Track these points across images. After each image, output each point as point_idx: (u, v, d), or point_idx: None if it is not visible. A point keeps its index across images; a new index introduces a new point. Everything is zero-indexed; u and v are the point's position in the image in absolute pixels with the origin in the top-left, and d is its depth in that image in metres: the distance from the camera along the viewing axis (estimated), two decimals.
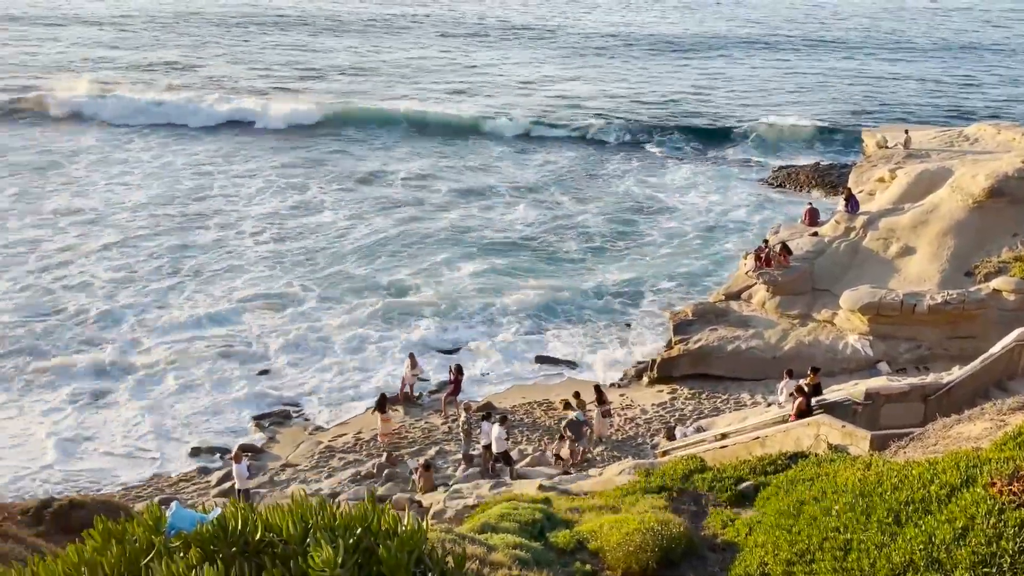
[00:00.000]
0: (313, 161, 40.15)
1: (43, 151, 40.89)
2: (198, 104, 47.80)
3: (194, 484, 18.14)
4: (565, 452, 18.18)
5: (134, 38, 71.93)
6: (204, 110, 47.05)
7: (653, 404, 21.18)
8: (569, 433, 18.22)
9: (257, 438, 19.95)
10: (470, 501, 14.70)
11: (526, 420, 20.64)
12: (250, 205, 34.56)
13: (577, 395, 19.51)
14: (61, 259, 28.73)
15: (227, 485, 17.37)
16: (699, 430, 17.95)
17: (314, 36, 77.94)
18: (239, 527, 2.92)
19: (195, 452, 19.38)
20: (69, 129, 44.36)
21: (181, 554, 2.80)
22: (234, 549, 2.83)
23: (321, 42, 74.75)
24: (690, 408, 20.88)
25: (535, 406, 21.28)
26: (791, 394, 16.33)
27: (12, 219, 31.96)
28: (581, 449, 18.32)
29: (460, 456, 18.90)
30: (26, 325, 24.26)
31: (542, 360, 23.60)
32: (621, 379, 22.87)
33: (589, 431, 18.90)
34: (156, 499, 16.31)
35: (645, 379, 22.45)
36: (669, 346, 22.90)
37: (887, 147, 31.23)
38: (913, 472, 7.75)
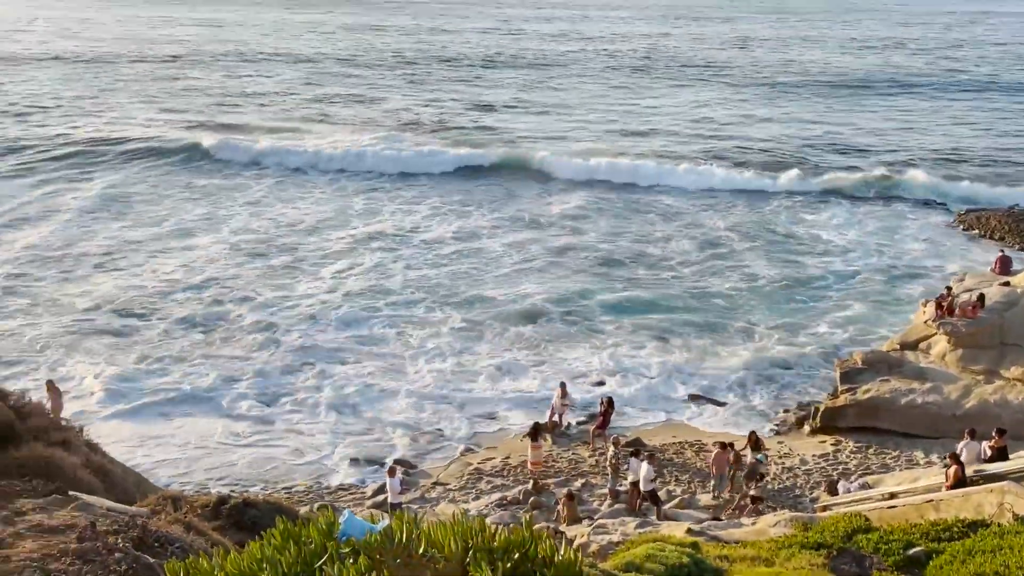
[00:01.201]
0: (475, 200, 40.80)
1: (229, 176, 44.40)
2: (372, 149, 48.18)
3: (351, 493, 18.98)
4: (754, 492, 17.52)
5: (320, 75, 77.30)
6: (376, 154, 47.30)
7: (814, 455, 20.09)
8: (748, 480, 17.62)
9: (410, 454, 20.64)
10: (614, 537, 14.50)
11: (676, 460, 20.13)
12: (414, 232, 35.98)
13: (731, 445, 18.82)
14: (232, 272, 31.06)
15: (381, 498, 18.04)
16: (864, 487, 16.85)
17: (486, 69, 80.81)
18: (404, 540, 3.06)
19: (353, 463, 20.30)
20: (253, 161, 47.25)
21: (351, 560, 2.97)
22: (398, 561, 2.97)
23: (490, 76, 77.36)
24: (855, 462, 19.64)
25: (686, 446, 20.73)
26: (978, 455, 15.02)
27: (198, 235, 34.98)
28: (739, 495, 17.68)
29: (606, 490, 18.68)
30: (197, 333, 26.30)
31: (695, 399, 23.01)
32: (780, 425, 21.89)
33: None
34: (316, 505, 17.20)
35: (806, 428, 21.36)
36: (835, 394, 21.69)
37: None
38: None
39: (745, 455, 18.42)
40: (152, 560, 3.97)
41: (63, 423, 18.55)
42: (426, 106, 62.47)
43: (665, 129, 55.74)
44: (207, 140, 49.01)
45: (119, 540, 4.05)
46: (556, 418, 21.53)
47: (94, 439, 13.03)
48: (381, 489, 18.36)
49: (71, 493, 5.76)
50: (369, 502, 18.24)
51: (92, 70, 76.47)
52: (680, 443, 20.84)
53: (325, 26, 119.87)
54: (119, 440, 20.05)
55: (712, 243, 34.81)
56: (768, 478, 18.65)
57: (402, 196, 41.47)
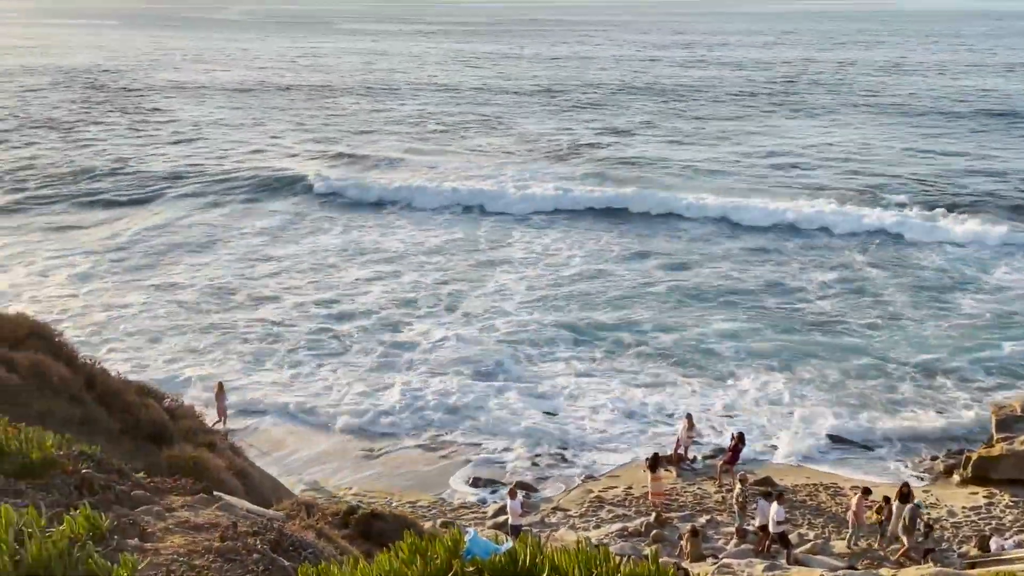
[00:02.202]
0: (603, 229, 40.35)
1: (364, 202, 45.83)
2: (507, 182, 47.55)
3: (472, 512, 19.17)
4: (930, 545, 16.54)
5: (458, 103, 79.68)
6: (501, 185, 46.71)
7: (963, 507, 18.64)
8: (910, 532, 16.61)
9: (531, 477, 20.63)
10: None
11: (809, 503, 19.17)
12: (540, 259, 36.20)
13: (885, 498, 17.68)
14: (358, 289, 32.32)
15: (501, 519, 18.12)
16: (1021, 545, 15.48)
17: (621, 95, 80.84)
18: (527, 563, 3.06)
19: (475, 483, 20.51)
20: (389, 193, 47.65)
21: None
22: None
23: (625, 103, 77.31)
24: (1011, 518, 18.07)
25: (820, 489, 19.71)
26: None
27: (332, 257, 36.58)
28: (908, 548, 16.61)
29: (733, 529, 18.01)
30: (333, 347, 27.31)
31: (834, 440, 21.86)
32: (926, 473, 20.46)
33: (888, 525, 17.15)
34: (439, 521, 17.48)
35: (956, 477, 19.86)
36: (989, 443, 20.10)
37: None
38: None
39: (892, 505, 17.29)
40: (287, 564, 4.14)
41: (219, 425, 19.97)
42: (559, 133, 63.01)
43: (805, 160, 53.78)
44: (343, 171, 51.10)
45: (257, 542, 4.25)
46: (682, 450, 21.00)
47: (236, 442, 13.81)
48: (502, 510, 18.44)
49: (215, 493, 6.11)
50: (490, 522, 18.35)
51: (252, 97, 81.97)
52: (814, 485, 19.84)
53: (465, 54, 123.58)
54: (258, 444, 21.16)
55: (852, 279, 33.17)
56: (933, 529, 17.36)
57: (530, 221, 41.95)
